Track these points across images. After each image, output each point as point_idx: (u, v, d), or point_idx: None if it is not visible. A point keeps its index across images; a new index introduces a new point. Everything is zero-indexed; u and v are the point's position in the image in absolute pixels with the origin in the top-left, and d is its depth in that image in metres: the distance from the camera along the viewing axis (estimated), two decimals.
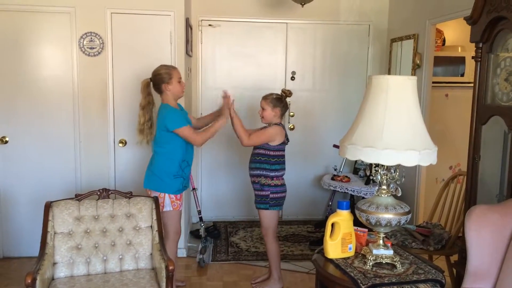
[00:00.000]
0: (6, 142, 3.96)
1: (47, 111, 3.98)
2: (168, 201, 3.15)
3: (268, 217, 3.40)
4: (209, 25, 5.02)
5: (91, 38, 3.92)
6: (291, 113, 5.21)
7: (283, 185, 3.44)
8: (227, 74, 5.12)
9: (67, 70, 3.95)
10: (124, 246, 2.81)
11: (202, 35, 5.02)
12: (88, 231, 2.78)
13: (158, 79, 3.17)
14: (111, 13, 3.92)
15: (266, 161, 3.34)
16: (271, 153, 3.33)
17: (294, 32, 5.14)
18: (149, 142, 3.24)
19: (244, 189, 5.15)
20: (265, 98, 3.40)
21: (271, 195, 3.36)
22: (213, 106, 5.07)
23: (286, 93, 3.43)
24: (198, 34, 4.99)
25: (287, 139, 3.44)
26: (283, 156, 3.41)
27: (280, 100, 3.39)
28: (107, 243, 2.79)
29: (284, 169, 3.45)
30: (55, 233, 2.73)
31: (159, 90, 3.20)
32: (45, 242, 2.67)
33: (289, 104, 5.16)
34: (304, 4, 4.09)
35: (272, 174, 3.35)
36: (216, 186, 5.25)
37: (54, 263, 2.69)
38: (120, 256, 2.80)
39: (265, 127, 3.41)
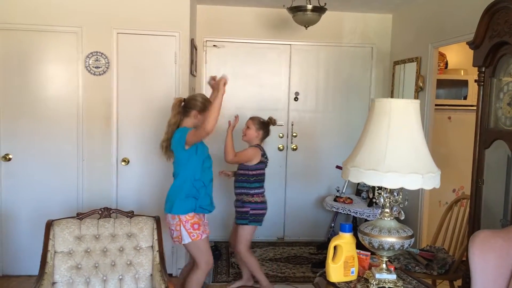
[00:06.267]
0: (10, 159, 3.97)
1: (51, 129, 4.00)
2: (185, 234, 3.07)
3: (246, 232, 3.64)
4: (214, 45, 5.07)
5: (97, 57, 3.96)
6: (294, 134, 5.22)
7: (263, 202, 3.68)
8: (230, 94, 5.08)
9: (72, 89, 3.99)
10: (124, 266, 2.78)
11: (206, 55, 5.07)
12: (89, 250, 2.76)
13: (192, 104, 3.14)
14: (117, 33, 3.98)
15: (246, 180, 3.62)
16: (250, 172, 3.61)
17: (297, 54, 5.19)
18: (167, 159, 3.25)
19: None
20: (252, 118, 3.68)
21: (250, 211, 3.60)
22: (216, 126, 5.09)
23: (272, 121, 3.72)
24: (203, 54, 5.04)
25: (266, 158, 3.68)
26: (262, 174, 3.67)
27: (266, 125, 3.68)
28: (107, 263, 2.77)
29: (263, 186, 3.69)
30: (55, 252, 2.71)
31: (186, 113, 3.15)
32: (45, 261, 2.65)
33: (292, 124, 5.22)
34: (308, 26, 4.12)
35: (252, 191, 3.62)
36: (218, 206, 5.20)
37: (54, 283, 2.66)
38: (120, 277, 2.77)
39: (245, 149, 3.66)
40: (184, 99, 3.21)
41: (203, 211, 3.16)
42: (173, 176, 3.21)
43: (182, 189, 3.10)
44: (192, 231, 3.07)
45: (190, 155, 3.09)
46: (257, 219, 3.64)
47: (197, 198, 3.11)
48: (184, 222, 3.06)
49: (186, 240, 3.08)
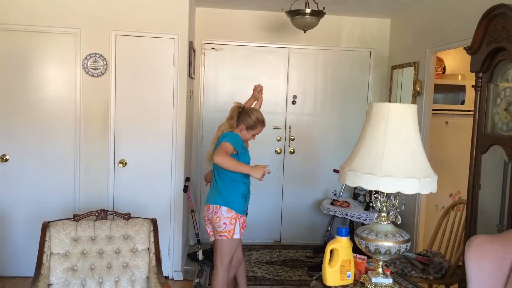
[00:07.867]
0: (7, 160, 3.96)
1: (48, 131, 3.99)
2: (238, 229, 3.12)
3: None
4: (212, 48, 5.08)
5: (95, 59, 3.96)
6: (292, 137, 5.22)
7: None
8: (228, 97, 5.14)
9: (70, 90, 3.98)
10: (120, 269, 2.78)
11: (205, 58, 5.08)
12: (85, 252, 2.75)
13: (244, 118, 3.20)
14: (116, 35, 3.98)
15: None
16: None
17: (296, 57, 5.20)
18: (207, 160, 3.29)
19: None
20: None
21: None
22: (214, 129, 5.08)
23: None
24: (201, 57, 5.04)
25: None
26: None
27: None
28: (103, 265, 2.76)
29: None
30: (51, 253, 2.70)
31: (238, 122, 3.21)
32: (40, 263, 2.64)
33: (290, 128, 5.22)
34: (306, 30, 4.14)
35: None
36: None
37: (49, 285, 2.65)
38: (116, 279, 2.76)
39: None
40: (243, 107, 3.25)
41: (243, 213, 3.24)
42: (216, 175, 3.21)
43: (236, 188, 3.15)
44: (240, 229, 3.15)
45: (237, 158, 3.10)
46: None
47: (246, 200, 3.24)
48: (239, 218, 3.14)
49: (236, 235, 3.12)
